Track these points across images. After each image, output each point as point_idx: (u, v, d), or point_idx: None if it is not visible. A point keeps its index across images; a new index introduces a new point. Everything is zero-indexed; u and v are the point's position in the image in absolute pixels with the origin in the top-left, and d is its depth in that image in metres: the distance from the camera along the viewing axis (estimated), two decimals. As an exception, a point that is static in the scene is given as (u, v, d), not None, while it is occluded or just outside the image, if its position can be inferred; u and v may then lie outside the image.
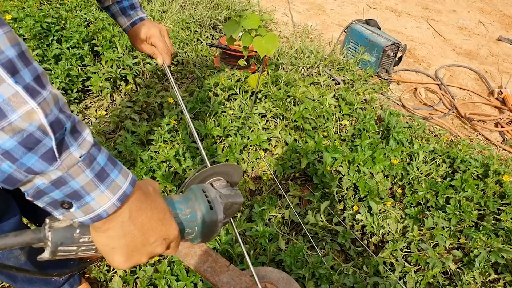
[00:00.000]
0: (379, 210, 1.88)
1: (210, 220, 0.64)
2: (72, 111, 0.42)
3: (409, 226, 1.84)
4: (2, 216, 1.05)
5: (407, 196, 1.99)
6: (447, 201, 1.93)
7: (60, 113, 0.44)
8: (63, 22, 2.72)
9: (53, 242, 0.52)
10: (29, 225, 1.57)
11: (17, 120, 0.40)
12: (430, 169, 2.11)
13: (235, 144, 2.11)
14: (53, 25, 2.62)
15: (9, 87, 0.39)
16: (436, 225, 1.82)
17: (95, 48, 2.69)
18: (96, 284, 1.64)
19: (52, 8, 2.89)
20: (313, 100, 2.49)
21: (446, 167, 2.14)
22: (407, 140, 2.25)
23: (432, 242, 1.78)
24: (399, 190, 2.06)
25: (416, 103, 3.11)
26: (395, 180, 2.09)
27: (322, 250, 1.78)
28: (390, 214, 1.88)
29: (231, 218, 0.79)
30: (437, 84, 3.32)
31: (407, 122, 2.56)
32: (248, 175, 2.13)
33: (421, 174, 2.06)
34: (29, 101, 0.40)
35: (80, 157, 0.46)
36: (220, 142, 2.21)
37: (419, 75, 3.46)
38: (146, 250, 0.56)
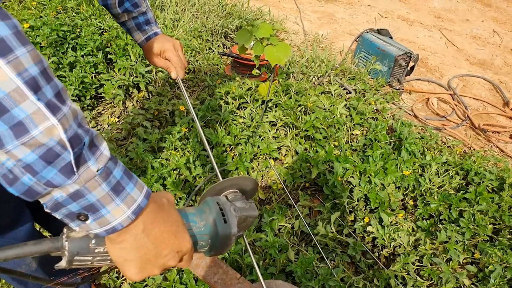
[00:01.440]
0: (391, 222, 1.86)
1: (224, 233, 0.64)
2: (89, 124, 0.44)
3: (421, 239, 1.82)
4: (16, 223, 1.07)
5: (419, 208, 1.96)
6: (460, 215, 1.90)
7: (78, 128, 0.46)
8: (78, 30, 2.76)
9: (69, 251, 0.53)
10: (41, 230, 1.59)
11: (38, 135, 0.42)
12: (443, 181, 2.08)
13: (245, 152, 2.11)
14: (68, 33, 2.66)
15: (32, 104, 0.41)
16: (450, 238, 1.79)
17: (109, 56, 2.72)
18: (105, 292, 1.64)
19: (68, 17, 2.94)
20: (324, 109, 2.48)
21: (460, 180, 2.10)
22: (419, 151, 2.22)
23: (445, 256, 1.75)
24: (411, 202, 2.03)
25: (429, 113, 3.08)
26: (406, 192, 2.06)
27: (332, 262, 1.76)
28: (402, 226, 1.86)
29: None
30: (450, 94, 3.28)
31: (419, 133, 2.53)
32: (258, 184, 2.13)
33: (434, 186, 2.03)
34: (50, 117, 0.42)
35: (97, 171, 0.47)
36: (231, 150, 2.21)
37: (431, 85, 3.43)
38: (159, 262, 0.57)
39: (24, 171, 0.43)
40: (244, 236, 0.84)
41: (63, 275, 1.35)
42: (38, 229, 1.56)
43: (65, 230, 0.55)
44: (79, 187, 0.46)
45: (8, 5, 3.20)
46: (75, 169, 0.45)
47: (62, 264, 0.54)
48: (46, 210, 0.48)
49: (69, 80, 2.40)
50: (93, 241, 0.54)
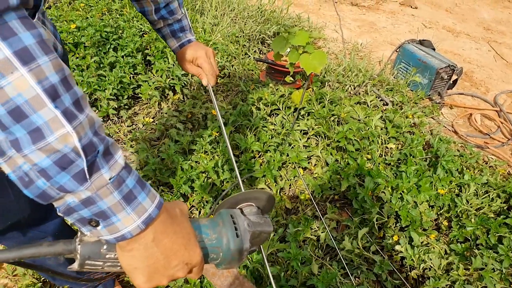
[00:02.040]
0: (421, 243, 1.78)
1: (236, 248, 0.63)
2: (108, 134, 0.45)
3: (454, 263, 1.72)
4: (49, 216, 1.10)
5: (454, 230, 1.86)
6: (499, 241, 1.78)
7: (94, 136, 0.48)
8: (120, 31, 2.84)
9: (81, 255, 0.54)
10: (72, 226, 1.63)
11: (53, 142, 0.44)
12: (482, 203, 1.97)
13: (274, 160, 2.09)
14: (111, 34, 2.74)
15: (49, 111, 0.43)
16: (486, 265, 1.68)
17: (148, 58, 2.78)
18: (127, 290, 1.66)
19: (112, 19, 3.03)
20: (358, 120, 2.41)
21: (501, 203, 1.98)
22: (457, 170, 2.12)
23: (479, 284, 1.64)
24: (445, 223, 1.93)
25: (470, 130, 2.94)
26: (441, 212, 1.97)
27: (356, 278, 1.70)
28: (433, 248, 1.77)
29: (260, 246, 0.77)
30: (496, 111, 3.12)
31: (458, 150, 2.42)
32: (285, 193, 2.10)
33: (471, 207, 1.93)
34: (66, 125, 0.44)
35: (109, 179, 0.48)
36: (259, 157, 2.20)
37: (475, 100, 3.28)
38: (168, 273, 0.57)
39: (39, 175, 0.45)
40: (261, 247, 0.82)
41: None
42: (70, 223, 1.61)
43: (79, 233, 0.56)
44: (91, 194, 0.47)
45: (58, 6, 3.35)
46: (87, 176, 0.46)
47: (74, 266, 0.55)
48: (59, 213, 0.49)
49: (108, 79, 2.47)
50: (105, 247, 0.55)
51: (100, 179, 0.48)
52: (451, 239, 1.85)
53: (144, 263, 0.54)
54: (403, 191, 1.96)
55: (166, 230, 0.55)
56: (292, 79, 2.65)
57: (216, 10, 3.53)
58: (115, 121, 2.53)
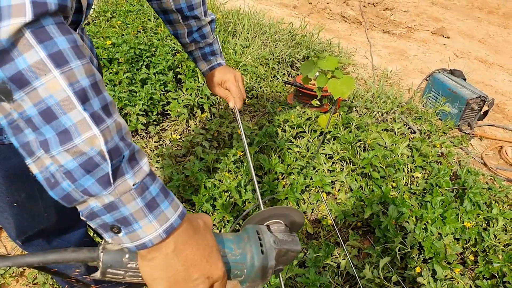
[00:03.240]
0: (445, 276, 1.72)
1: (260, 265, 0.61)
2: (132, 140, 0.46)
3: (478, 300, 1.66)
4: (73, 227, 1.13)
5: (480, 266, 1.80)
6: (527, 279, 1.71)
7: (120, 141, 0.48)
8: (153, 49, 2.95)
9: (104, 263, 0.54)
10: (95, 237, 1.67)
11: (80, 144, 0.45)
12: (511, 239, 1.90)
13: (297, 183, 2.09)
14: (144, 52, 2.85)
15: (78, 113, 0.44)
16: (512, 304, 1.62)
17: (179, 76, 2.86)
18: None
19: (147, 36, 3.15)
20: (385, 147, 2.39)
21: (530, 240, 1.91)
22: (485, 203, 2.06)
23: (504, 323, 1.58)
24: (471, 257, 1.87)
25: (501, 162, 2.86)
26: (467, 245, 1.91)
27: (376, 309, 1.66)
28: (458, 282, 1.71)
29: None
30: (528, 145, 3.03)
31: (487, 183, 2.35)
32: (307, 217, 2.08)
33: (499, 243, 1.86)
34: (93, 128, 0.45)
35: (133, 185, 0.49)
36: (283, 179, 2.20)
37: (506, 133, 3.20)
38: (188, 286, 0.56)
39: (65, 177, 0.46)
40: (280, 275, 0.81)
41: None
42: (92, 235, 1.65)
43: (102, 241, 0.56)
44: (114, 199, 0.48)
45: (97, 22, 3.51)
46: (111, 180, 0.47)
47: (97, 275, 0.56)
48: (82, 218, 0.50)
49: (139, 95, 2.55)
50: (127, 256, 0.55)
51: (124, 185, 0.48)
52: (477, 274, 1.79)
53: (164, 273, 0.54)
54: (427, 222, 1.91)
55: (188, 241, 0.55)
56: (319, 103, 2.66)
57: (248, 33, 3.61)
58: (143, 136, 2.60)
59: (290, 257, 0.67)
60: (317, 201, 2.10)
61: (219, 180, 2.11)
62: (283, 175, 2.20)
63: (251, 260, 0.61)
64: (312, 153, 2.29)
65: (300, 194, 2.07)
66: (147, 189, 0.50)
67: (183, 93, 2.74)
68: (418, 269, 1.74)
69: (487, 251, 1.86)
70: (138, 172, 0.49)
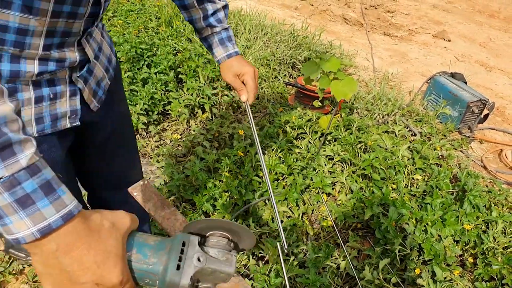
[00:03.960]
0: (444, 278, 1.72)
1: (171, 281, 0.54)
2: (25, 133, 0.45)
3: (478, 302, 1.66)
4: None
5: (479, 268, 1.80)
6: (526, 282, 1.71)
7: None
8: (155, 49, 2.95)
9: (6, 242, 0.54)
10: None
11: None
12: (510, 241, 1.90)
13: (296, 183, 2.09)
14: (146, 51, 2.85)
15: None
16: (511, 307, 1.62)
17: (179, 76, 2.87)
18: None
19: (148, 36, 3.15)
20: (385, 149, 2.40)
21: (529, 243, 1.91)
22: (485, 206, 2.06)
23: (503, 326, 1.58)
24: (470, 259, 1.87)
25: (501, 166, 2.86)
26: (466, 248, 1.91)
27: (375, 310, 1.66)
28: (457, 284, 1.72)
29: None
30: (528, 148, 3.03)
31: (486, 186, 2.36)
32: (308, 218, 2.09)
33: (498, 245, 1.86)
34: None
35: (0, 178, 0.46)
36: (283, 179, 2.20)
37: (506, 136, 3.20)
38: None
39: None
40: (284, 272, 0.81)
41: None
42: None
43: None
44: None
45: (98, 22, 3.51)
46: None
47: (2, 250, 0.55)
48: None
49: (140, 94, 2.56)
50: None
51: None
52: (476, 276, 1.79)
53: (46, 270, 0.52)
54: (427, 224, 1.92)
55: (76, 244, 0.51)
56: (320, 104, 2.67)
57: (250, 33, 3.62)
58: (143, 135, 2.60)
59: (218, 278, 0.59)
60: (317, 202, 2.11)
61: (220, 180, 2.11)
62: (284, 176, 2.20)
63: (163, 273, 0.55)
64: (313, 154, 2.29)
65: (299, 194, 2.07)
66: (18, 184, 0.47)
67: (184, 93, 2.74)
68: (417, 271, 1.75)
69: (486, 253, 1.87)
70: (10, 165, 0.46)
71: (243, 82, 1.23)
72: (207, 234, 0.62)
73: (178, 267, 0.54)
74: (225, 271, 0.58)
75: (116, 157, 1.26)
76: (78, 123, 0.95)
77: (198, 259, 0.56)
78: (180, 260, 0.55)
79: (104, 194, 1.38)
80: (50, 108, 0.87)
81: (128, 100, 2.48)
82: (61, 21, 0.75)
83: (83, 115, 0.96)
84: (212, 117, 2.72)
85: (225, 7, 1.22)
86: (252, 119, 1.15)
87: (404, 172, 2.24)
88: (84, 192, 1.40)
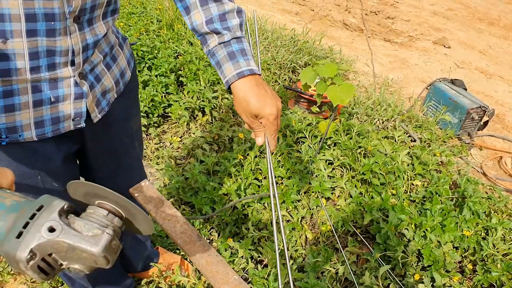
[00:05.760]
0: (444, 284, 1.72)
1: (5, 250, 0.45)
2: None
3: (477, 309, 1.66)
4: None
5: (478, 275, 1.79)
6: (526, 289, 1.71)
7: None
8: (156, 52, 2.95)
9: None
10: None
11: None
12: (510, 248, 1.90)
13: (293, 185, 2.09)
14: (147, 54, 2.85)
15: None
16: (510, 314, 1.61)
17: (180, 79, 2.87)
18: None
19: (149, 39, 3.16)
20: (385, 154, 2.40)
21: (529, 250, 1.91)
22: (484, 212, 2.06)
23: (502, 333, 1.57)
24: (470, 266, 1.87)
25: (500, 173, 2.86)
26: (465, 254, 1.91)
27: (374, 316, 1.65)
28: (456, 291, 1.71)
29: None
30: (527, 156, 3.04)
31: (486, 192, 2.36)
32: (306, 222, 2.08)
33: (498, 252, 1.86)
34: None
35: None
36: (281, 183, 2.20)
37: (506, 143, 3.20)
38: None
39: None
40: (279, 275, 0.79)
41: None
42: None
43: None
44: None
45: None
46: None
47: None
48: None
49: (140, 97, 2.55)
50: None
51: None
52: (475, 283, 1.79)
53: None
54: (426, 230, 1.91)
55: None
56: (318, 110, 2.67)
57: (250, 38, 3.62)
58: (143, 137, 2.60)
59: (84, 258, 0.48)
60: (316, 207, 2.10)
61: (219, 183, 2.11)
62: (282, 179, 2.20)
63: (1, 239, 0.46)
64: (310, 157, 2.29)
65: (296, 195, 2.07)
66: None
67: (185, 95, 2.74)
68: (416, 277, 1.74)
69: (485, 260, 1.86)
70: None
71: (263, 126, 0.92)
72: (96, 203, 0.52)
73: (19, 235, 0.45)
74: (86, 249, 0.46)
75: (120, 172, 1.24)
76: (83, 125, 0.92)
77: (51, 229, 0.46)
78: (25, 226, 0.46)
79: None
80: (51, 111, 0.85)
81: (128, 102, 2.48)
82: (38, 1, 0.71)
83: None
84: (212, 120, 2.72)
85: (239, 12, 0.95)
86: (270, 163, 0.92)
87: (403, 177, 2.24)
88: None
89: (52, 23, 0.75)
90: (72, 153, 1.01)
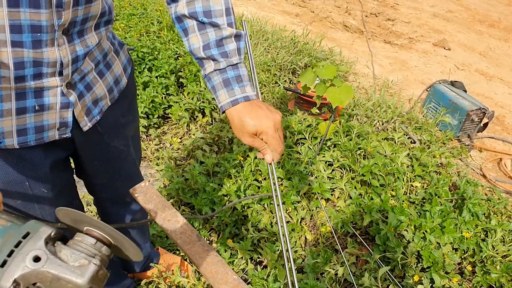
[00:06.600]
0: (443, 286, 1.72)
1: None
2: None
3: (476, 311, 1.66)
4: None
5: (478, 276, 1.80)
6: (525, 290, 1.71)
7: None
8: (156, 53, 2.96)
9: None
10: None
11: None
12: (509, 250, 1.90)
13: (293, 186, 2.09)
14: (147, 55, 2.86)
15: None
16: (509, 315, 1.61)
17: (180, 80, 2.88)
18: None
19: (150, 40, 3.16)
20: (385, 156, 2.40)
21: (528, 251, 1.91)
22: (484, 214, 2.06)
23: (502, 334, 1.57)
24: (469, 267, 1.87)
25: (500, 174, 2.87)
26: (465, 255, 1.91)
27: (373, 317, 1.65)
28: (456, 292, 1.71)
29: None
30: (527, 157, 3.04)
31: (486, 194, 2.36)
32: (306, 223, 2.08)
33: (497, 254, 1.86)
34: None
35: None
36: (281, 184, 2.20)
37: (506, 145, 3.21)
38: None
39: None
40: (287, 275, 0.79)
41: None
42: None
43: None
44: None
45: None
46: None
47: None
48: None
49: (141, 98, 2.56)
50: None
51: None
52: (475, 285, 1.79)
53: None
54: (426, 231, 1.92)
55: None
56: (318, 111, 2.67)
57: (250, 39, 3.63)
58: (143, 139, 2.61)
59: (56, 285, 0.47)
60: (316, 208, 2.10)
61: (219, 184, 2.11)
62: (282, 180, 2.20)
63: None
64: (310, 158, 2.29)
65: (296, 196, 2.07)
66: None
67: (185, 96, 2.75)
68: (416, 278, 1.74)
69: (485, 261, 1.86)
70: None
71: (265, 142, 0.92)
72: (84, 229, 0.50)
73: (4, 264, 0.45)
74: (71, 280, 0.45)
75: (116, 178, 1.23)
76: (69, 135, 0.90)
77: (36, 259, 0.45)
78: (10, 255, 0.45)
79: (109, 208, 1.38)
80: (35, 120, 0.82)
81: (128, 103, 2.49)
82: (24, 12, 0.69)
83: (74, 132, 0.92)
84: (212, 121, 2.73)
85: (237, 36, 0.93)
86: (275, 176, 0.93)
87: (403, 179, 2.24)
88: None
89: (39, 34, 0.73)
90: (62, 159, 0.99)
